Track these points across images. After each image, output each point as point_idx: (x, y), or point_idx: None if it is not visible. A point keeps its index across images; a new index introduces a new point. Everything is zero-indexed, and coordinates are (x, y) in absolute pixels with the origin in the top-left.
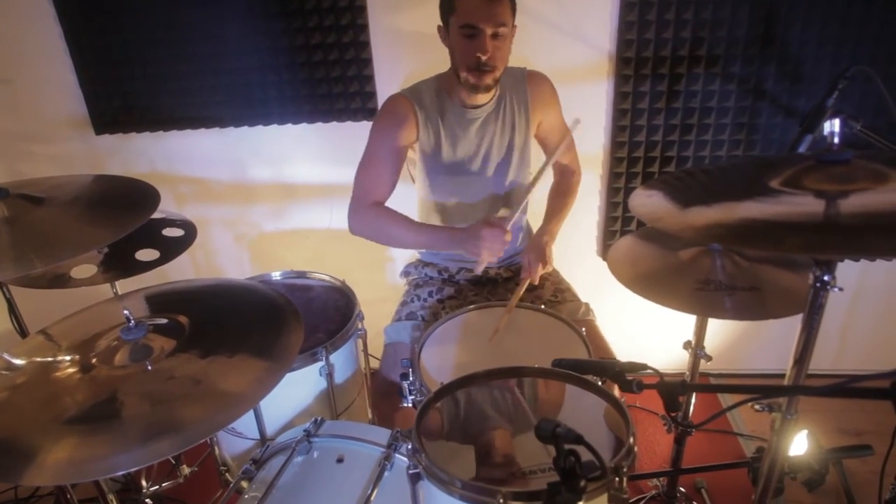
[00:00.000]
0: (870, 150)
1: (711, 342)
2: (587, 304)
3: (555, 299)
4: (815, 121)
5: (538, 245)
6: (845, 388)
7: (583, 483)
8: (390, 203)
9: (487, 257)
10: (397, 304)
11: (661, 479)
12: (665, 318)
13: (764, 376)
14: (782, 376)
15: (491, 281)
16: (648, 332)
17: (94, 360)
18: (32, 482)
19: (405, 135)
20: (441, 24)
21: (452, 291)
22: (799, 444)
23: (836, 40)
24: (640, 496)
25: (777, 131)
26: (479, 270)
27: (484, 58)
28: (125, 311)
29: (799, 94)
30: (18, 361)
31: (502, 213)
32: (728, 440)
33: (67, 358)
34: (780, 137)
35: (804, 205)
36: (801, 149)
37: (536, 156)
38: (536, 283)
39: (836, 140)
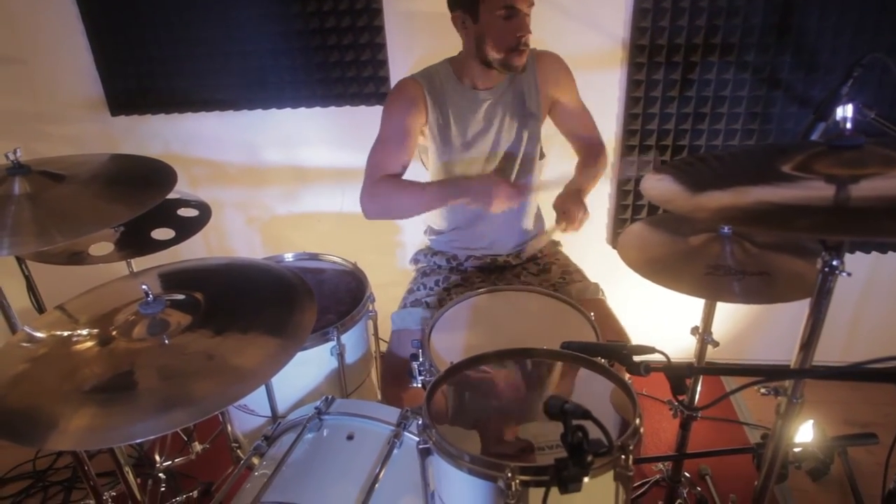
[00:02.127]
0: (883, 139)
1: (718, 331)
2: (596, 284)
3: (563, 281)
4: (829, 108)
5: (573, 193)
6: (850, 370)
7: (590, 458)
8: None
9: (503, 207)
10: (404, 292)
11: (665, 463)
12: (672, 306)
13: (769, 366)
14: (787, 365)
15: (499, 268)
16: (655, 321)
17: (113, 333)
18: (55, 447)
19: (415, 116)
20: (457, 12)
21: (459, 279)
22: (805, 434)
23: (853, 29)
24: (645, 480)
25: (791, 121)
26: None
27: (525, 37)
28: (143, 286)
29: (814, 84)
30: (39, 334)
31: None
32: (733, 429)
33: (85, 332)
34: (794, 127)
35: (815, 189)
36: (814, 136)
37: (547, 142)
38: (578, 230)
39: (849, 126)
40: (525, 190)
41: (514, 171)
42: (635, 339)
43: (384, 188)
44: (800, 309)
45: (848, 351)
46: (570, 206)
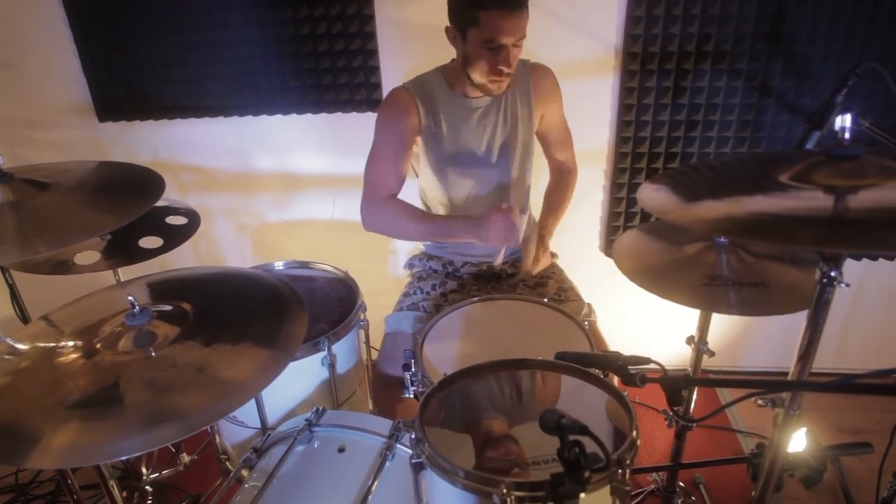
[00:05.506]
0: (878, 148)
1: (713, 339)
2: (589, 305)
3: (558, 298)
4: (824, 117)
5: (536, 239)
6: (850, 383)
7: (587, 474)
8: None
9: (501, 242)
10: (399, 296)
11: (660, 473)
12: (666, 314)
13: (764, 374)
14: (783, 374)
15: (494, 276)
16: (649, 329)
17: (98, 346)
18: (36, 465)
19: (409, 126)
20: (450, 25)
21: (455, 285)
22: (798, 442)
23: (844, 38)
24: (640, 490)
25: (782, 129)
26: (498, 261)
27: (507, 70)
28: (129, 297)
29: (805, 92)
30: (22, 346)
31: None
32: (726, 437)
33: (70, 343)
34: (785, 135)
35: (813, 199)
36: (809, 145)
37: (538, 152)
38: (534, 273)
39: (847, 135)
40: (521, 223)
41: (508, 180)
42: (629, 346)
43: (391, 211)
44: (795, 317)
45: (840, 358)
46: (530, 247)
